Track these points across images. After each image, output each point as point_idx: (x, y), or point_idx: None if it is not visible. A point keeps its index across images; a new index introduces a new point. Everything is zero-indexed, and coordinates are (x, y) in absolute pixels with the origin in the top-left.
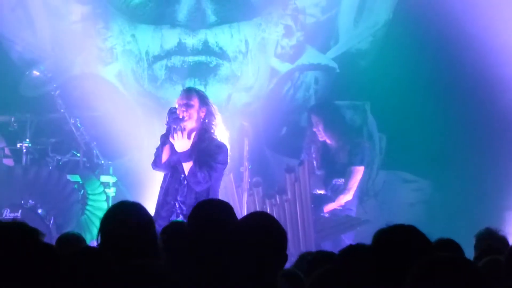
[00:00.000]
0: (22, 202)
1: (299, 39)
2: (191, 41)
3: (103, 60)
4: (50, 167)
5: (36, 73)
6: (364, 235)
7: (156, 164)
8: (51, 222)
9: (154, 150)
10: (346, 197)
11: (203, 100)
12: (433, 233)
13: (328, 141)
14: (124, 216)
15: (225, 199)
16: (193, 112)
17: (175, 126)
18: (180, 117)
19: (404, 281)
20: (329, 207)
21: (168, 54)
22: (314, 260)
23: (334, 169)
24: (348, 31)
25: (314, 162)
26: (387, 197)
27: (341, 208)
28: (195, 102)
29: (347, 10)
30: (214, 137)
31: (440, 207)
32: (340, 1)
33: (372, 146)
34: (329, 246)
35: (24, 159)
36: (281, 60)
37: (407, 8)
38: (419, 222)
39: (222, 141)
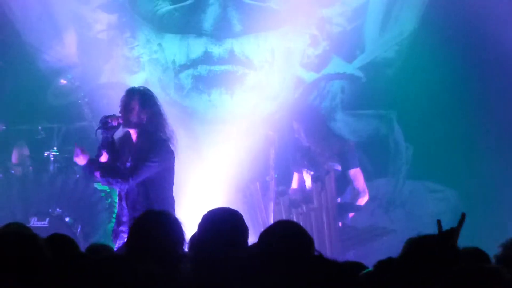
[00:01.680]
0: (50, 210)
1: (325, 48)
2: (217, 50)
3: (130, 69)
4: (77, 176)
5: (63, 81)
6: (390, 245)
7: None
8: (78, 230)
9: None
10: (364, 200)
11: (145, 101)
12: (459, 242)
13: (312, 147)
14: (152, 224)
15: (251, 209)
16: (132, 115)
17: (109, 135)
18: (115, 124)
19: None
20: (351, 214)
21: (194, 63)
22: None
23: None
24: (374, 40)
25: (304, 169)
26: (413, 207)
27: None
28: (135, 103)
29: (373, 19)
30: (157, 138)
31: (466, 216)
32: (366, 11)
33: (399, 156)
34: (351, 256)
35: (51, 168)
36: (307, 70)
37: (433, 17)
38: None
39: (166, 142)
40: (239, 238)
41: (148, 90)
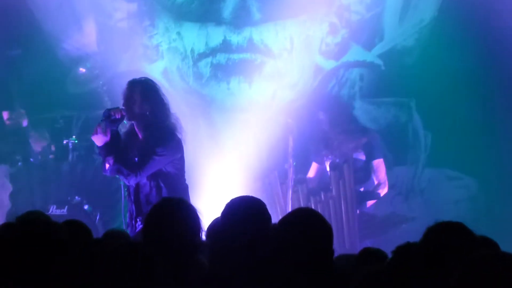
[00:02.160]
0: (69, 198)
1: (344, 36)
2: (236, 38)
3: (149, 57)
4: (96, 164)
5: (82, 70)
6: (409, 233)
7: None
8: (97, 218)
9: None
10: (383, 191)
11: (147, 92)
12: (478, 231)
13: (338, 136)
14: (169, 212)
15: (269, 197)
16: (135, 107)
17: (114, 128)
18: (118, 117)
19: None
20: (370, 203)
21: (213, 52)
22: (361, 257)
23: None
24: (393, 28)
25: (324, 159)
26: (432, 195)
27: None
28: (137, 95)
29: (392, 7)
30: (162, 129)
31: (484, 204)
32: None
33: (418, 144)
34: (370, 243)
35: (70, 156)
36: (326, 57)
37: (452, 5)
38: (464, 220)
39: (170, 131)
40: (262, 226)
41: (150, 80)
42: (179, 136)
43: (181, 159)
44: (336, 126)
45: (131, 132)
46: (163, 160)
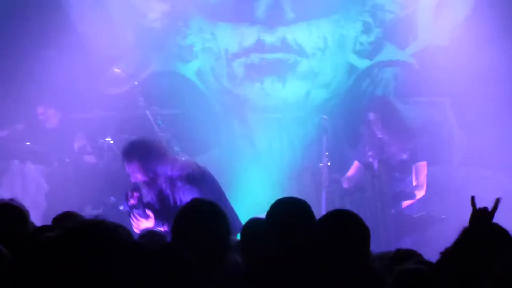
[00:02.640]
0: (104, 199)
1: (378, 35)
2: (270, 38)
3: (183, 57)
4: None
5: (117, 70)
6: (444, 233)
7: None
8: None
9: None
10: (420, 193)
11: (147, 163)
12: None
13: (386, 137)
14: (199, 212)
15: (303, 196)
16: (140, 177)
17: (137, 211)
18: (132, 202)
19: (488, 277)
20: (405, 203)
21: (247, 52)
22: (396, 258)
23: (391, 166)
24: (427, 27)
25: (371, 160)
26: (467, 194)
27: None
28: (138, 171)
29: (426, 6)
30: (181, 185)
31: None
32: None
33: (452, 143)
34: (405, 243)
35: (106, 156)
36: (360, 57)
37: (486, 3)
38: (499, 220)
39: (192, 181)
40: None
41: (144, 141)
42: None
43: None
44: (388, 126)
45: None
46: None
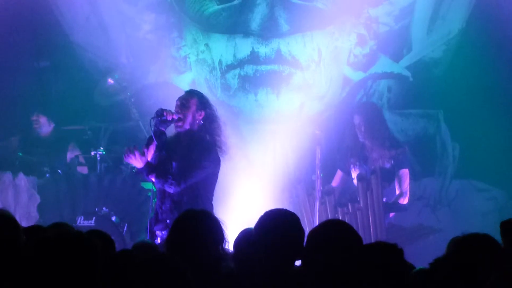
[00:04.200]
0: (96, 209)
1: (372, 47)
2: (264, 50)
3: (177, 69)
4: (124, 175)
5: (110, 81)
6: (437, 244)
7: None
8: (125, 229)
9: None
10: (405, 200)
11: (203, 104)
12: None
13: (368, 142)
14: (193, 222)
15: (296, 208)
16: (188, 114)
17: (162, 129)
18: (169, 119)
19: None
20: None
21: (241, 63)
22: None
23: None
24: (421, 40)
25: (351, 166)
26: (460, 206)
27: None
28: (193, 104)
29: (420, 18)
30: (208, 141)
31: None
32: (413, 10)
33: (446, 155)
34: None
35: (98, 167)
36: (354, 69)
37: (480, 16)
38: (492, 232)
39: (215, 145)
40: (296, 240)
41: (206, 96)
42: (221, 154)
43: (214, 177)
44: (371, 131)
45: (175, 137)
46: (203, 173)
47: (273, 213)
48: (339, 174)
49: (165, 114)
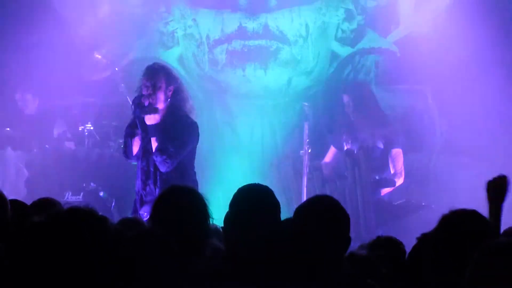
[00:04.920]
0: (84, 185)
1: (360, 22)
2: (252, 25)
3: (165, 44)
4: (112, 151)
5: (98, 56)
6: (424, 220)
7: (128, 156)
8: (113, 205)
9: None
10: (399, 181)
11: (170, 79)
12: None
13: (358, 121)
14: (176, 199)
15: (284, 183)
16: (160, 94)
17: (143, 116)
18: (147, 104)
19: (467, 265)
20: (385, 191)
21: (228, 38)
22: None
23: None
24: (409, 15)
25: (344, 144)
26: (448, 182)
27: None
28: (162, 82)
29: None
30: (183, 114)
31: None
32: None
33: (433, 131)
34: (385, 230)
35: (86, 142)
36: (342, 44)
37: None
38: (480, 207)
39: (191, 118)
40: (270, 213)
41: (168, 66)
42: (195, 118)
43: (194, 150)
44: (360, 110)
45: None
46: (188, 148)
47: (244, 189)
48: (332, 150)
49: (142, 101)
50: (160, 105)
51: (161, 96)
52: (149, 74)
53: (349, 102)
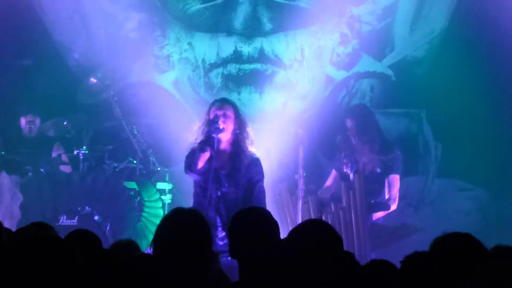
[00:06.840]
0: (79, 208)
1: (355, 47)
2: (247, 49)
3: (160, 68)
4: (107, 174)
5: (93, 80)
6: (419, 243)
7: (191, 169)
8: (107, 229)
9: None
10: (393, 207)
11: (238, 112)
12: (489, 242)
13: (359, 146)
14: (179, 223)
15: (279, 207)
16: (229, 124)
17: (215, 136)
18: (221, 127)
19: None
20: (378, 215)
21: (224, 62)
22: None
23: (365, 177)
24: (404, 39)
25: (344, 168)
26: (443, 205)
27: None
28: (231, 113)
29: (403, 18)
30: (248, 148)
31: (495, 215)
32: (396, 9)
33: (428, 154)
34: (379, 253)
35: (81, 166)
36: (337, 68)
37: (463, 16)
38: (475, 231)
39: (254, 152)
40: (269, 233)
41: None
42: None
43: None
44: (363, 135)
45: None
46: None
47: (241, 213)
48: (333, 174)
49: (219, 123)
50: (228, 135)
51: (229, 125)
52: (220, 104)
53: (352, 127)
